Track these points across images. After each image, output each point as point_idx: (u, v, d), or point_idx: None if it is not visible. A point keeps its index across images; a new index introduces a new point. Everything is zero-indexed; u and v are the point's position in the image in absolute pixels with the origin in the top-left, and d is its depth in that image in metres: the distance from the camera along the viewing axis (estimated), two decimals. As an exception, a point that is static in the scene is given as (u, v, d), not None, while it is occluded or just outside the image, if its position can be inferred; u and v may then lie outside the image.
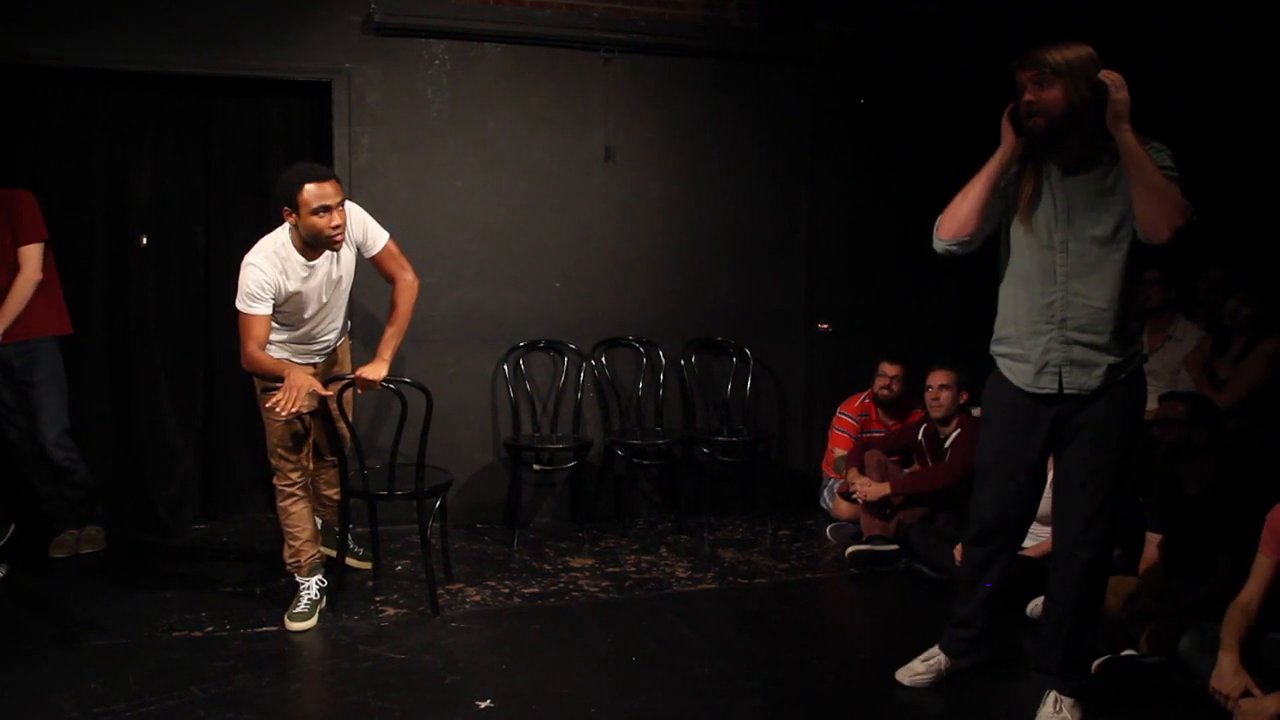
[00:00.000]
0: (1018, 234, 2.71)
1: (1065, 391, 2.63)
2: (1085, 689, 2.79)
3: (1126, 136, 2.45)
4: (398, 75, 4.56)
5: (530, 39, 4.69)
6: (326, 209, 3.17)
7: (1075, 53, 2.50)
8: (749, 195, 5.09)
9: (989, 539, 2.89)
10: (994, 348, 2.82)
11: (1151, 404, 3.84)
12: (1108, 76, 2.47)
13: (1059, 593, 2.76)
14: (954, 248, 2.74)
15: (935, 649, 3.08)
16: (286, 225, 3.27)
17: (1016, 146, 2.61)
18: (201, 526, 4.66)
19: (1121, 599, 3.24)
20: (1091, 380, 2.61)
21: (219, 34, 4.30)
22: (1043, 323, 2.64)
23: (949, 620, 3.06)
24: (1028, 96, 2.55)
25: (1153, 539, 3.38)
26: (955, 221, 2.70)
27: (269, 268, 3.23)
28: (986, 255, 2.87)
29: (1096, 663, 2.95)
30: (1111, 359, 2.59)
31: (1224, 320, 4.10)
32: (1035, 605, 3.46)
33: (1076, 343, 2.60)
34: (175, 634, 3.36)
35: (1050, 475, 2.95)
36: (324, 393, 3.30)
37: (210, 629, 3.41)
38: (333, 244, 3.25)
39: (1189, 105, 4.58)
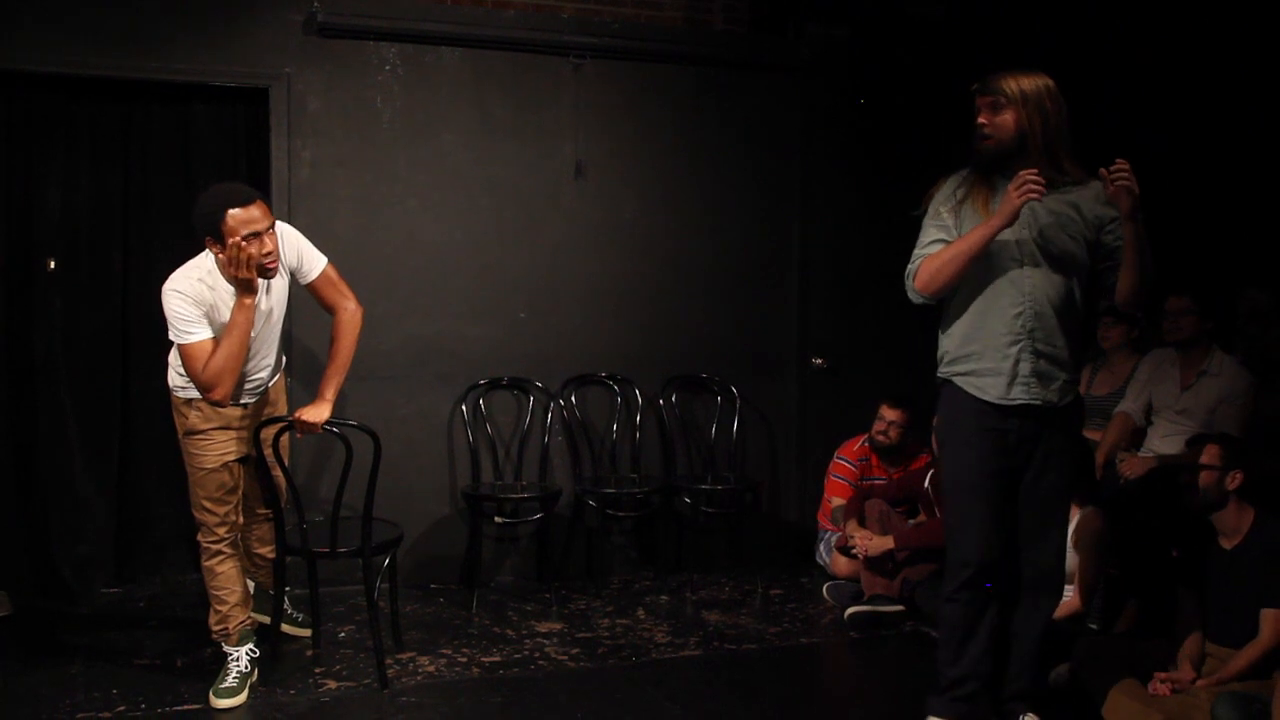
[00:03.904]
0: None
1: (1031, 402, 2.94)
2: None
3: (1138, 228, 2.86)
4: (343, 81, 4.57)
5: (492, 42, 4.71)
6: (255, 235, 3.20)
7: (1031, 82, 2.90)
8: (735, 216, 5.12)
9: (985, 579, 3.02)
10: (952, 368, 3.08)
11: (1178, 447, 3.89)
12: (1120, 170, 2.77)
13: (1028, 621, 3.05)
14: (930, 300, 3.10)
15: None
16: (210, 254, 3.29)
17: (1013, 218, 2.85)
18: (114, 590, 4.58)
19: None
20: (1050, 394, 2.96)
21: (140, 32, 4.29)
22: (1011, 334, 2.95)
23: (934, 689, 3.10)
24: (981, 119, 2.97)
25: (1188, 598, 3.38)
26: (937, 283, 3.01)
27: (194, 292, 3.24)
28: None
29: None
30: (1067, 375, 2.99)
31: (1272, 352, 4.11)
32: (1058, 673, 3.45)
33: (1042, 355, 2.94)
34: (80, 715, 3.28)
35: None
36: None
37: (122, 709, 3.33)
38: (266, 271, 3.27)
39: (1219, 117, 4.66)
